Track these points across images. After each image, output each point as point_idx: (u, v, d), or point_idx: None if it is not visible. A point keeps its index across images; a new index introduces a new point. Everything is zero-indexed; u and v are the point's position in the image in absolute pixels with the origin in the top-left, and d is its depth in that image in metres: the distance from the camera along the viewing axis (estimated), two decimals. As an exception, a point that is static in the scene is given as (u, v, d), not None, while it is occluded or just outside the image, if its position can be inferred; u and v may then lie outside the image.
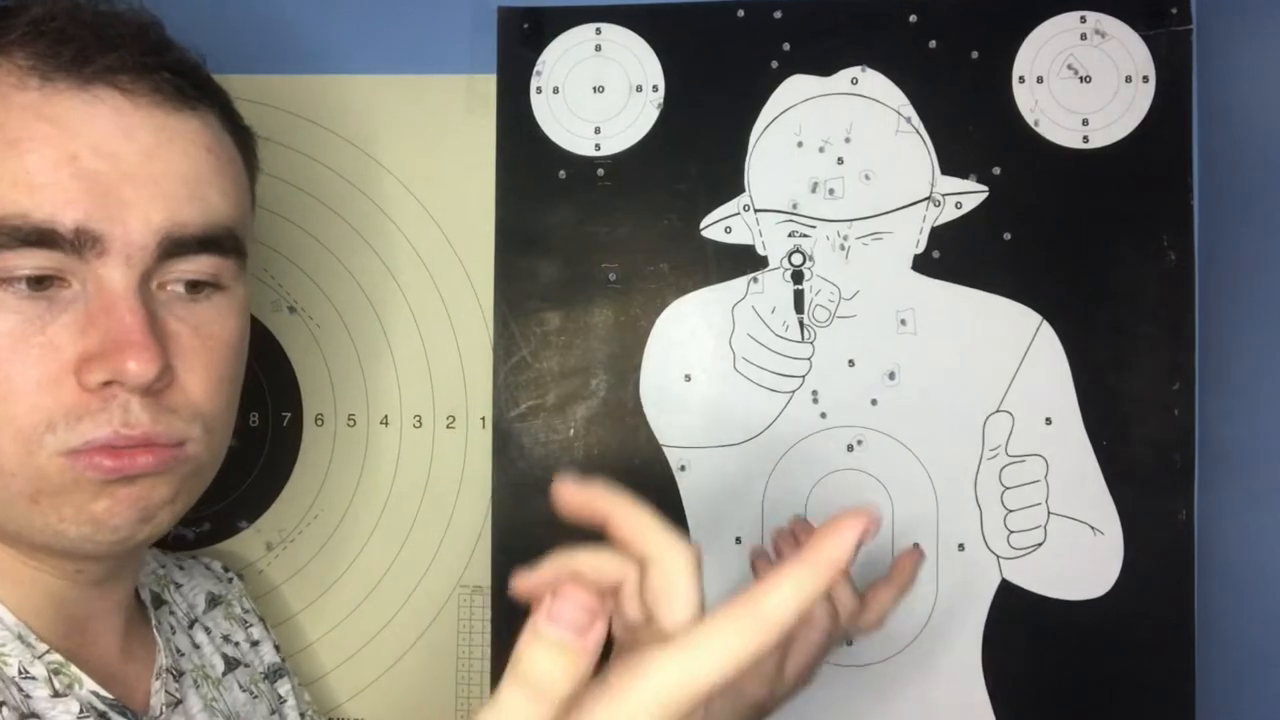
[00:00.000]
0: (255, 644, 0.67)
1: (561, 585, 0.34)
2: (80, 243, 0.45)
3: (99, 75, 0.47)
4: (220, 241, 0.50)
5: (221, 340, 0.51)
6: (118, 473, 0.46)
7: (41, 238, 0.45)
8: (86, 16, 0.48)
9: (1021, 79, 0.71)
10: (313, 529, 0.75)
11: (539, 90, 0.73)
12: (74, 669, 0.49)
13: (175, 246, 0.48)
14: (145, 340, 0.46)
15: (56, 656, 0.49)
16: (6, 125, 0.45)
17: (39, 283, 0.45)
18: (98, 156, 0.46)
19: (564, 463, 0.72)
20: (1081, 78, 0.71)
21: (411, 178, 0.74)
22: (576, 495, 0.40)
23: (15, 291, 0.45)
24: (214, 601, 0.67)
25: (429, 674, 0.74)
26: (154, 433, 0.47)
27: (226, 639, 0.65)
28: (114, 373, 0.45)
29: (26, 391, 0.45)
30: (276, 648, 0.69)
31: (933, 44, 0.72)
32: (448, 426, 0.74)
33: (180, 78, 0.49)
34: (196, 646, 0.62)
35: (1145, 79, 0.70)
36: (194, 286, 0.50)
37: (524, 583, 0.40)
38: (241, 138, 0.55)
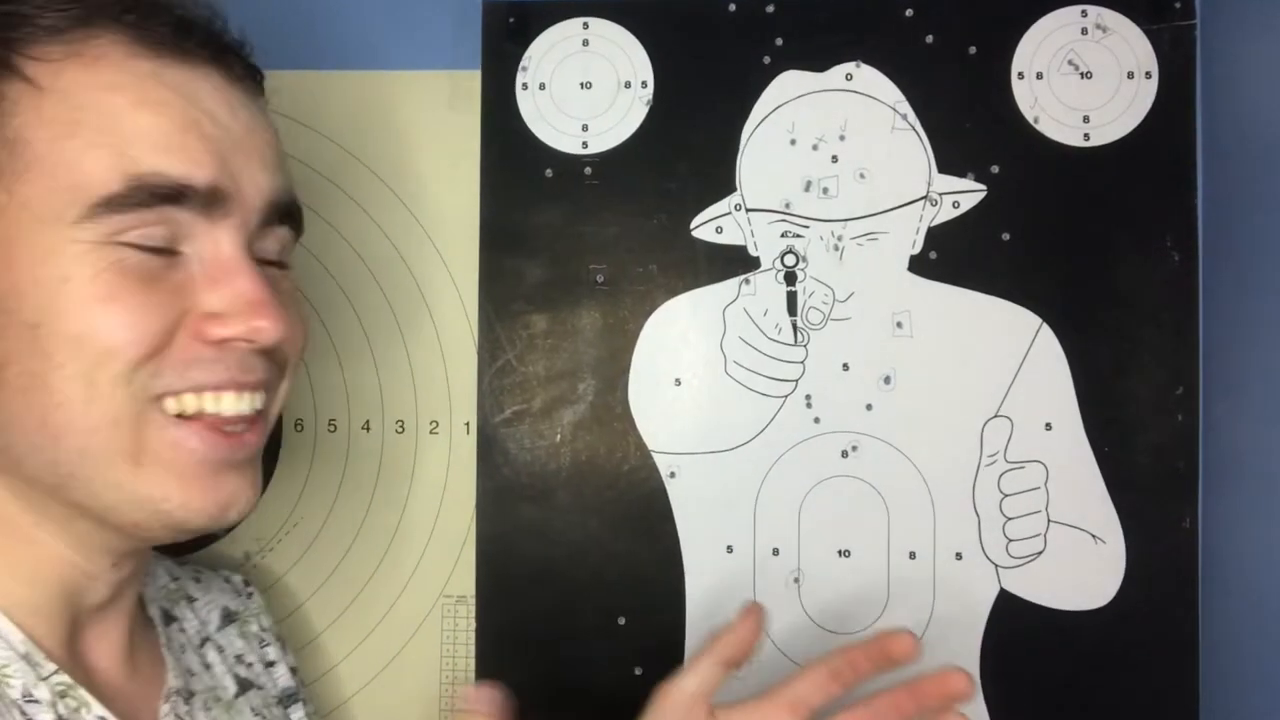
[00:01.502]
0: (270, 665, 0.66)
1: None
2: (211, 201, 0.47)
3: (197, 52, 0.49)
4: (296, 214, 0.53)
5: (298, 315, 0.53)
6: (229, 454, 0.48)
7: (178, 194, 0.46)
8: None
9: (1021, 75, 0.70)
10: (292, 537, 0.73)
11: (525, 86, 0.72)
12: (81, 692, 0.48)
13: (274, 212, 0.51)
14: (273, 300, 0.49)
15: (64, 678, 0.48)
16: (129, 88, 0.47)
17: (158, 244, 0.47)
18: (214, 124, 0.48)
19: (551, 469, 0.71)
20: (1082, 74, 0.70)
21: (394, 176, 0.73)
22: None
23: (137, 251, 0.46)
24: (229, 618, 0.65)
25: (412, 687, 0.72)
26: (268, 379, 0.50)
27: (240, 659, 0.63)
28: (247, 330, 0.48)
29: (146, 324, 0.46)
30: (293, 670, 0.67)
31: (929, 39, 0.70)
32: (431, 432, 0.73)
33: (252, 69, 0.53)
34: (208, 667, 0.60)
35: (1148, 75, 0.69)
36: (280, 264, 0.53)
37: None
38: None
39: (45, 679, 0.48)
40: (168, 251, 0.47)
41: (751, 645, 0.58)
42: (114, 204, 0.45)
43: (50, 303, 0.45)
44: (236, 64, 0.51)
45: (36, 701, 0.47)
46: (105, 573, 0.51)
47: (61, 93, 0.46)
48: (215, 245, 0.48)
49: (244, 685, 0.62)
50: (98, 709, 0.49)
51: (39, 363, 0.45)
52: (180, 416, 0.48)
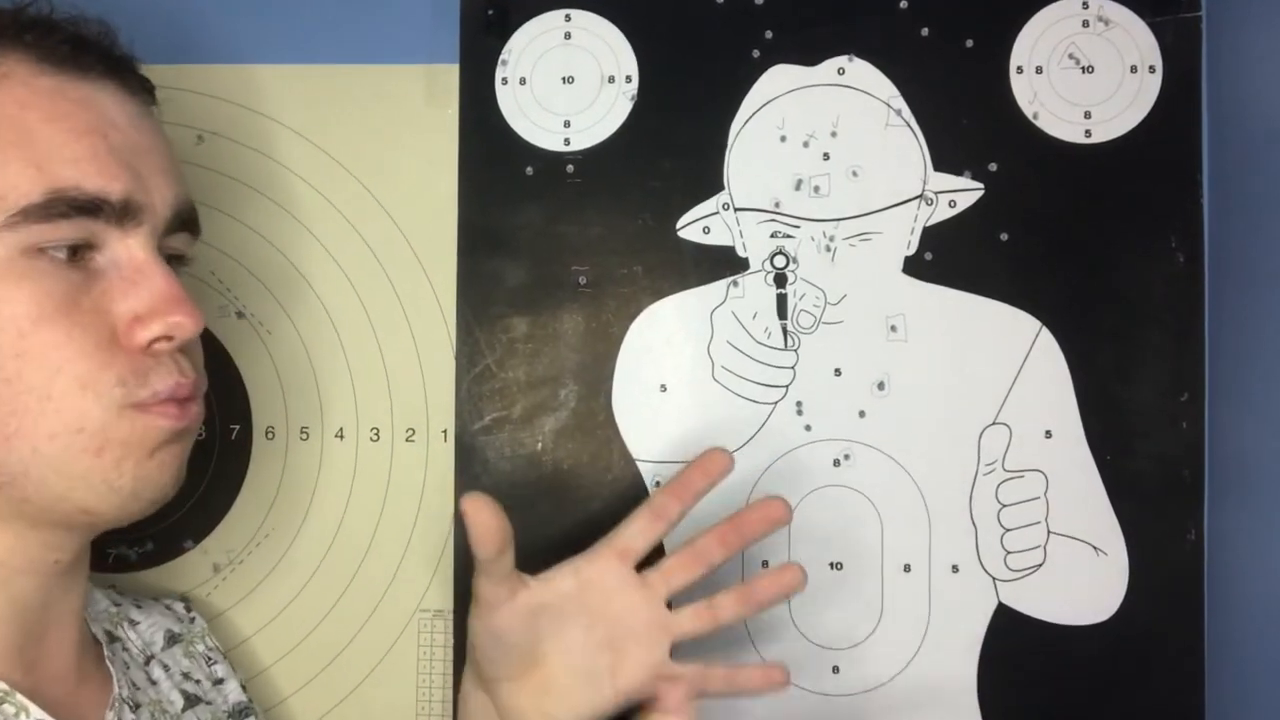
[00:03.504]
0: (219, 682, 0.66)
1: None
2: (124, 212, 0.49)
3: (95, 67, 0.51)
4: (198, 223, 0.56)
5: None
6: (183, 419, 0.51)
7: (95, 207, 0.49)
8: (61, 16, 0.52)
9: (1019, 69, 0.69)
10: (263, 549, 0.71)
11: (504, 81, 0.70)
12: (19, 697, 0.49)
13: (178, 219, 0.53)
14: (186, 296, 0.51)
15: (1, 685, 0.49)
16: (37, 104, 0.49)
17: (74, 252, 0.49)
18: (120, 136, 0.50)
19: (532, 478, 0.69)
20: (1083, 68, 0.69)
21: (368, 174, 0.71)
22: None
23: (55, 261, 0.48)
24: (173, 640, 0.65)
25: (387, 703, 0.70)
26: (198, 382, 0.53)
27: (186, 676, 0.63)
28: (168, 327, 0.50)
29: (90, 352, 0.48)
30: (243, 687, 0.67)
31: (925, 31, 0.69)
32: (407, 440, 0.71)
33: (145, 81, 0.55)
34: (153, 682, 0.61)
35: (1151, 69, 0.68)
36: (180, 265, 0.55)
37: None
38: None
39: None
40: (84, 262, 0.49)
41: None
42: (32, 214, 0.47)
43: None
44: (131, 78, 0.53)
45: None
46: (47, 573, 0.52)
47: None
48: (129, 252, 0.50)
49: (191, 700, 0.62)
50: (36, 712, 0.49)
51: None
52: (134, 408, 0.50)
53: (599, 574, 0.59)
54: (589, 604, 0.58)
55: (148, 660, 0.62)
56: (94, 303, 0.49)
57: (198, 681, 0.64)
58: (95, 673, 0.57)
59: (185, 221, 0.54)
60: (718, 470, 0.60)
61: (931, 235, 0.69)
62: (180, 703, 0.61)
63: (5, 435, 0.48)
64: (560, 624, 0.58)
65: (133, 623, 0.64)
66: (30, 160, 0.48)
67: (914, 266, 0.69)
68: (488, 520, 0.55)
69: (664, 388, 0.70)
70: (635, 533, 0.59)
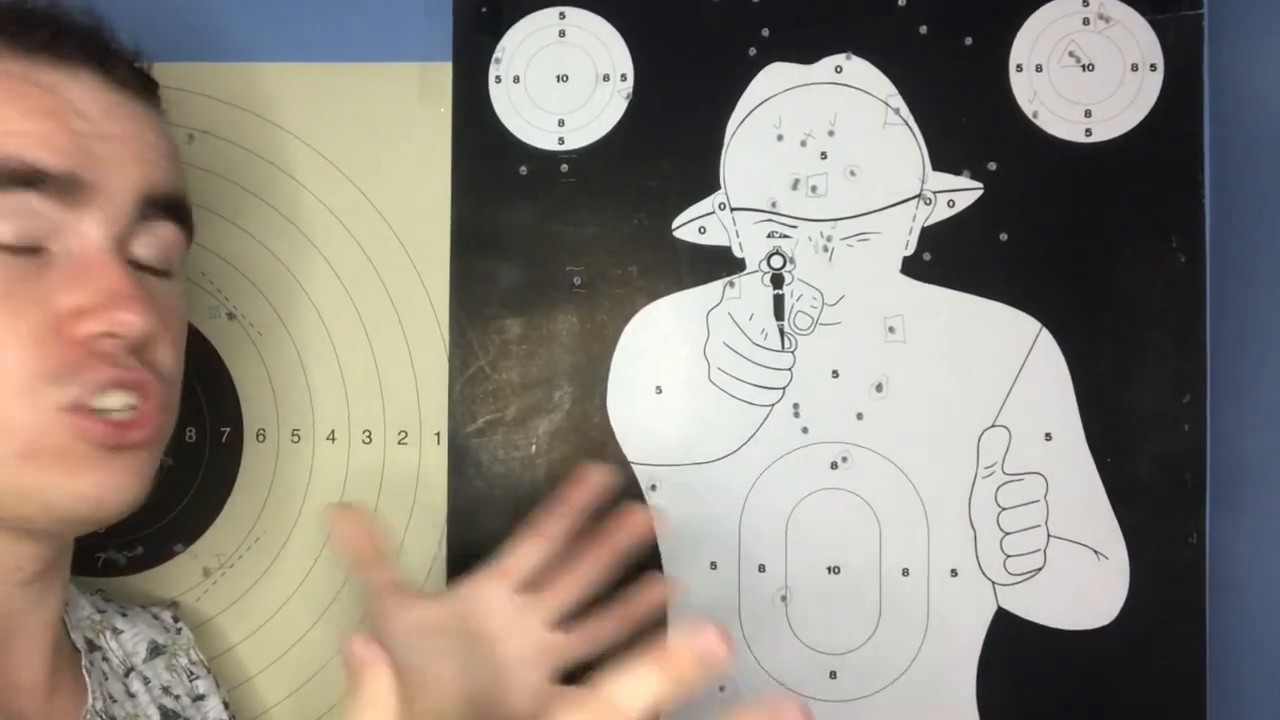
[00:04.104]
0: (199, 698, 0.64)
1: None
2: (69, 189, 0.48)
3: (74, 55, 0.50)
4: (182, 211, 0.53)
5: (180, 322, 0.54)
6: (129, 434, 0.48)
7: (31, 178, 0.47)
8: (47, 7, 0.52)
9: (1019, 67, 0.68)
10: (254, 553, 0.70)
11: (498, 79, 0.70)
12: None
13: (150, 205, 0.51)
14: (137, 293, 0.48)
15: None
16: (1, 87, 0.48)
17: (32, 250, 0.47)
18: (82, 119, 0.49)
19: (526, 481, 0.69)
20: (1084, 66, 0.68)
21: (360, 174, 0.70)
22: None
23: (3, 249, 0.47)
24: (156, 651, 0.63)
25: (380, 710, 0.69)
26: (147, 379, 0.49)
27: (166, 690, 0.62)
28: (110, 323, 0.47)
29: (23, 343, 0.46)
30: (225, 705, 0.65)
31: (923, 29, 0.69)
32: (399, 442, 0.70)
33: (140, 76, 0.54)
34: (131, 695, 0.59)
35: (1153, 67, 0.68)
36: (159, 267, 0.52)
37: None
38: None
39: None
40: (33, 250, 0.48)
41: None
42: None
43: None
44: (120, 70, 0.52)
45: None
46: (11, 582, 0.51)
47: None
48: (80, 240, 0.49)
49: (170, 715, 0.61)
50: None
51: None
52: (69, 410, 0.47)
53: (481, 595, 0.58)
54: (470, 626, 0.57)
55: (128, 672, 0.61)
56: (39, 294, 0.47)
57: (177, 697, 0.63)
58: (71, 683, 0.55)
59: (166, 209, 0.52)
60: (594, 483, 0.59)
61: (930, 235, 0.68)
62: (157, 717, 0.60)
63: None
64: (445, 646, 0.56)
65: (116, 631, 0.62)
66: None
67: (912, 267, 0.68)
68: (355, 532, 0.55)
69: (659, 390, 0.69)
70: (518, 553, 0.58)
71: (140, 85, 0.54)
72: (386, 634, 0.56)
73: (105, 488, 0.48)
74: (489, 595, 0.58)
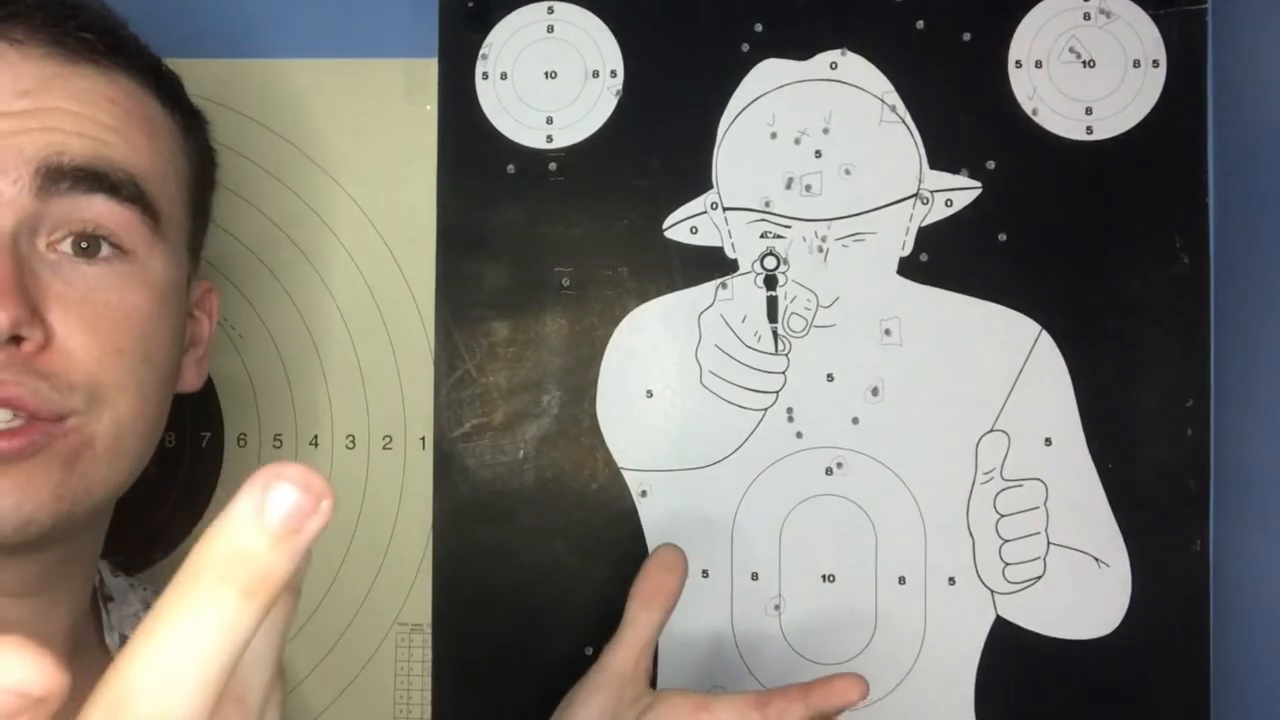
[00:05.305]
0: None
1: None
2: None
3: (21, 27, 0.47)
4: (115, 182, 0.47)
5: (118, 309, 0.47)
6: None
7: None
8: None
9: (1018, 63, 0.68)
10: (235, 561, 0.69)
11: (485, 76, 0.69)
12: None
13: (54, 177, 0.45)
14: (4, 286, 0.43)
15: None
16: None
17: None
18: (17, 91, 0.45)
19: (513, 487, 0.68)
20: (1085, 62, 0.67)
21: (344, 172, 0.69)
22: None
23: None
24: None
25: (364, 720, 0.69)
26: (18, 395, 0.43)
27: None
28: None
29: None
30: None
31: (920, 25, 0.68)
32: (384, 447, 0.69)
33: (92, 36, 0.49)
34: None
35: (1155, 63, 0.67)
36: (87, 249, 0.47)
37: None
38: (183, 118, 0.55)
39: None
40: None
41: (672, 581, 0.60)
42: None
43: None
44: (56, 36, 0.47)
45: None
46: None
47: None
48: None
49: None
50: None
51: None
52: None
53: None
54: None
55: None
56: None
57: None
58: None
59: (89, 179, 0.46)
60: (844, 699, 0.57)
61: (927, 235, 0.68)
62: None
63: None
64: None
65: None
66: None
67: (909, 268, 0.68)
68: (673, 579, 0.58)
69: (650, 393, 0.68)
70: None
71: (86, 48, 0.49)
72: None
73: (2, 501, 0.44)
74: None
